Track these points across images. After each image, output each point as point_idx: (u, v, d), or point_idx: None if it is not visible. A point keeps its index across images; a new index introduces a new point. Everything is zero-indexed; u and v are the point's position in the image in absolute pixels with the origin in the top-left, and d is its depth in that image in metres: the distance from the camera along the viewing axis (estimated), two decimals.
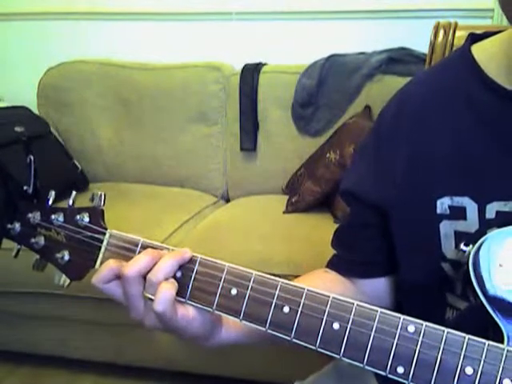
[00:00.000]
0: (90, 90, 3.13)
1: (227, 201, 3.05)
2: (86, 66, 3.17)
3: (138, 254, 0.93)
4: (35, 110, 3.14)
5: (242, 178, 3.01)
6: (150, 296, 0.89)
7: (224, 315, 0.90)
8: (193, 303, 0.91)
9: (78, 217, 0.98)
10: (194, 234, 2.48)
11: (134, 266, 0.89)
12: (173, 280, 0.90)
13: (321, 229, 2.22)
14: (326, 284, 1.14)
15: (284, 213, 2.64)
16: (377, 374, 1.14)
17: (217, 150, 3.02)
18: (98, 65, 3.16)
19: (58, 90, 3.17)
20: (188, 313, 0.92)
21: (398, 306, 0.84)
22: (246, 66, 2.97)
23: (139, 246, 0.94)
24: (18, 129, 2.80)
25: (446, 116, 1.00)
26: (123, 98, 3.09)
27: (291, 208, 2.64)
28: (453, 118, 0.99)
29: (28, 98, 3.17)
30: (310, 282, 1.06)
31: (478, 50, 1.01)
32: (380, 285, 1.15)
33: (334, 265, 1.19)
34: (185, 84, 3.01)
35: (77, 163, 3.07)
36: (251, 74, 2.92)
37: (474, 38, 1.04)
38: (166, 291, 0.88)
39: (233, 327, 1.00)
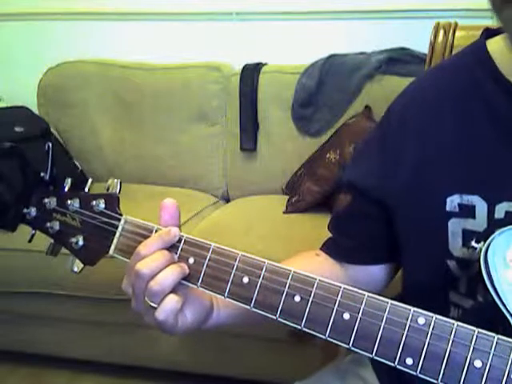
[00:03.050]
0: (90, 90, 3.12)
1: (227, 201, 3.05)
2: (86, 66, 3.17)
3: (137, 235, 0.96)
4: (35, 110, 3.14)
5: (241, 178, 3.01)
6: (151, 304, 0.90)
7: (235, 302, 0.91)
8: (205, 289, 0.92)
9: (93, 202, 1.00)
10: (194, 234, 2.41)
11: (151, 265, 0.90)
12: (180, 293, 0.91)
13: (321, 229, 2.20)
14: (314, 269, 1.15)
15: (284, 213, 2.65)
16: (378, 373, 1.15)
17: (217, 149, 3.02)
18: (98, 65, 3.16)
19: (58, 90, 3.17)
20: (187, 320, 0.94)
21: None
22: (246, 66, 2.97)
23: (153, 232, 0.95)
24: (17, 129, 2.80)
25: (458, 113, 0.99)
26: (123, 97, 3.08)
27: (291, 208, 2.65)
28: (464, 115, 0.99)
29: (28, 98, 3.17)
30: (298, 265, 1.08)
31: (492, 45, 1.00)
32: (371, 272, 1.16)
33: (327, 248, 1.20)
34: (185, 84, 3.01)
35: (77, 163, 3.07)
36: (251, 74, 2.92)
37: (488, 32, 1.03)
38: (171, 304, 0.90)
39: (223, 313, 1.01)
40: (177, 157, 3.05)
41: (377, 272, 1.16)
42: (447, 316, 0.98)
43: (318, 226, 2.40)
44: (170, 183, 3.05)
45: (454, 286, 0.99)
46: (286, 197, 2.76)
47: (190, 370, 2.51)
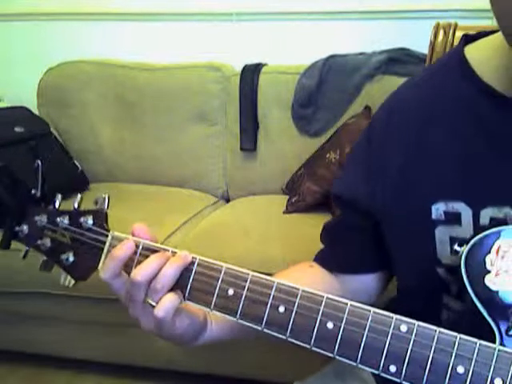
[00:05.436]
0: (90, 90, 3.12)
1: (227, 201, 3.05)
2: (86, 66, 3.17)
3: (140, 255, 0.95)
4: (35, 110, 3.14)
5: (242, 178, 3.01)
6: (151, 302, 0.91)
7: (221, 314, 0.92)
8: (191, 303, 0.93)
9: (82, 219, 1.01)
10: (194, 234, 2.48)
11: (145, 271, 0.91)
12: (179, 292, 0.92)
13: (320, 229, 2.20)
14: (308, 280, 1.15)
15: (284, 213, 2.64)
16: (375, 374, 1.16)
17: (217, 150, 3.02)
18: (98, 65, 3.16)
19: (58, 90, 3.17)
20: (184, 322, 0.95)
21: (387, 308, 0.85)
22: (246, 66, 2.97)
23: (140, 247, 0.96)
24: (17, 129, 2.81)
25: (439, 122, 1.00)
26: (123, 97, 3.08)
27: (291, 208, 2.64)
28: (446, 123, 0.99)
29: (28, 98, 3.17)
30: (292, 277, 1.09)
31: (471, 51, 1.00)
32: (364, 281, 1.17)
33: (320, 259, 1.21)
34: (185, 84, 3.01)
35: (77, 163, 3.07)
36: (251, 74, 2.92)
37: (467, 38, 1.03)
38: (170, 301, 0.90)
39: (215, 327, 1.03)
40: (177, 157, 3.05)
41: (370, 281, 1.17)
42: (439, 318, 0.99)
43: (318, 225, 2.41)
44: (170, 183, 3.06)
45: (446, 289, 1.00)
46: (286, 197, 2.75)
47: (190, 369, 2.51)
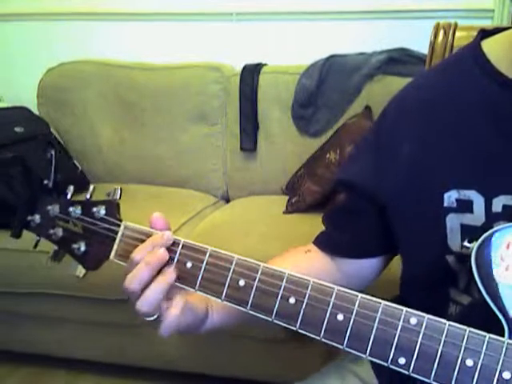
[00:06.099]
0: (90, 90, 3.12)
1: (227, 201, 3.05)
2: (86, 66, 3.17)
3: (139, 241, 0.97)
4: (35, 110, 3.14)
5: (242, 178, 3.01)
6: (147, 319, 0.94)
7: (232, 305, 0.93)
8: (202, 293, 0.94)
9: (94, 209, 1.01)
10: (194, 235, 2.47)
11: (135, 280, 0.92)
12: (177, 301, 0.94)
13: (320, 229, 2.20)
14: (305, 265, 1.17)
15: (284, 213, 2.65)
16: (378, 374, 1.16)
17: (217, 150, 3.02)
18: (98, 65, 3.15)
19: (57, 90, 3.17)
20: (188, 318, 0.96)
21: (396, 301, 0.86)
22: (246, 66, 2.97)
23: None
24: (17, 129, 2.81)
25: (453, 111, 1.01)
26: (123, 97, 3.08)
27: (291, 208, 2.65)
28: (461, 112, 1.00)
29: (28, 98, 3.17)
30: (289, 262, 1.12)
31: (488, 45, 1.01)
32: (362, 266, 1.17)
33: (320, 242, 1.21)
34: (185, 84, 3.01)
35: (77, 163, 3.07)
36: (251, 74, 2.92)
37: (484, 34, 1.04)
38: (172, 319, 0.93)
39: (216, 315, 1.04)
40: (177, 157, 3.05)
41: (368, 265, 1.17)
42: (446, 312, 1.00)
43: (318, 226, 2.40)
44: (169, 183, 3.05)
45: (453, 282, 1.00)
46: (286, 197, 2.75)
47: (190, 370, 2.51)
